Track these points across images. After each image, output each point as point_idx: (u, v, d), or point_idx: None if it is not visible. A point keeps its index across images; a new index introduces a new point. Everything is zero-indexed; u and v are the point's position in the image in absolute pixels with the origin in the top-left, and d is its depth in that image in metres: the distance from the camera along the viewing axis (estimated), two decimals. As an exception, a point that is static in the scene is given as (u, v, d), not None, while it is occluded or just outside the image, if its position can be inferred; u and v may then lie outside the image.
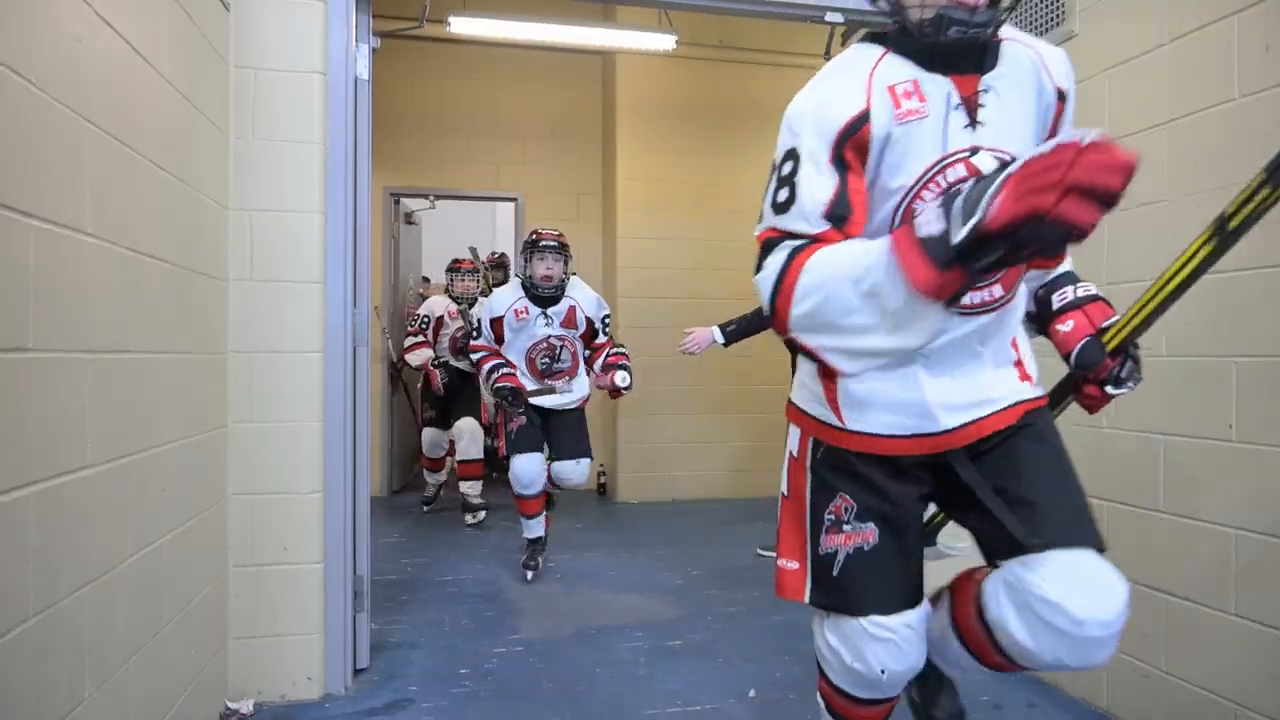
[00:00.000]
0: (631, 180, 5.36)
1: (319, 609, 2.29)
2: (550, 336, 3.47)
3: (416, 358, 4.71)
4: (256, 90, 2.22)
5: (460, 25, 4.23)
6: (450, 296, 4.86)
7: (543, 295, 3.42)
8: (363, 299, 2.40)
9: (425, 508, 5.04)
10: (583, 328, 3.55)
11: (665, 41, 4.41)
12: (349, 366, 2.34)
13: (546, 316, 3.44)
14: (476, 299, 4.79)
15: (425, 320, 4.78)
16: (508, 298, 3.47)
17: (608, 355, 3.60)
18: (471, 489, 4.71)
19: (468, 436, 4.68)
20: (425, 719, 2.17)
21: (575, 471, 3.49)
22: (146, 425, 1.67)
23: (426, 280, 6.73)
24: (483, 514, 4.70)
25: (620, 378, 3.47)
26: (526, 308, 3.42)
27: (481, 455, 4.75)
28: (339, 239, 2.31)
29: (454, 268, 4.91)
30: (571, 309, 3.49)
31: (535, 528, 3.55)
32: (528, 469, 3.42)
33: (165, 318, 1.78)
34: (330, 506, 2.30)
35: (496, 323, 3.47)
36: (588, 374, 3.68)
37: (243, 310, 2.21)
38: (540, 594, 3.34)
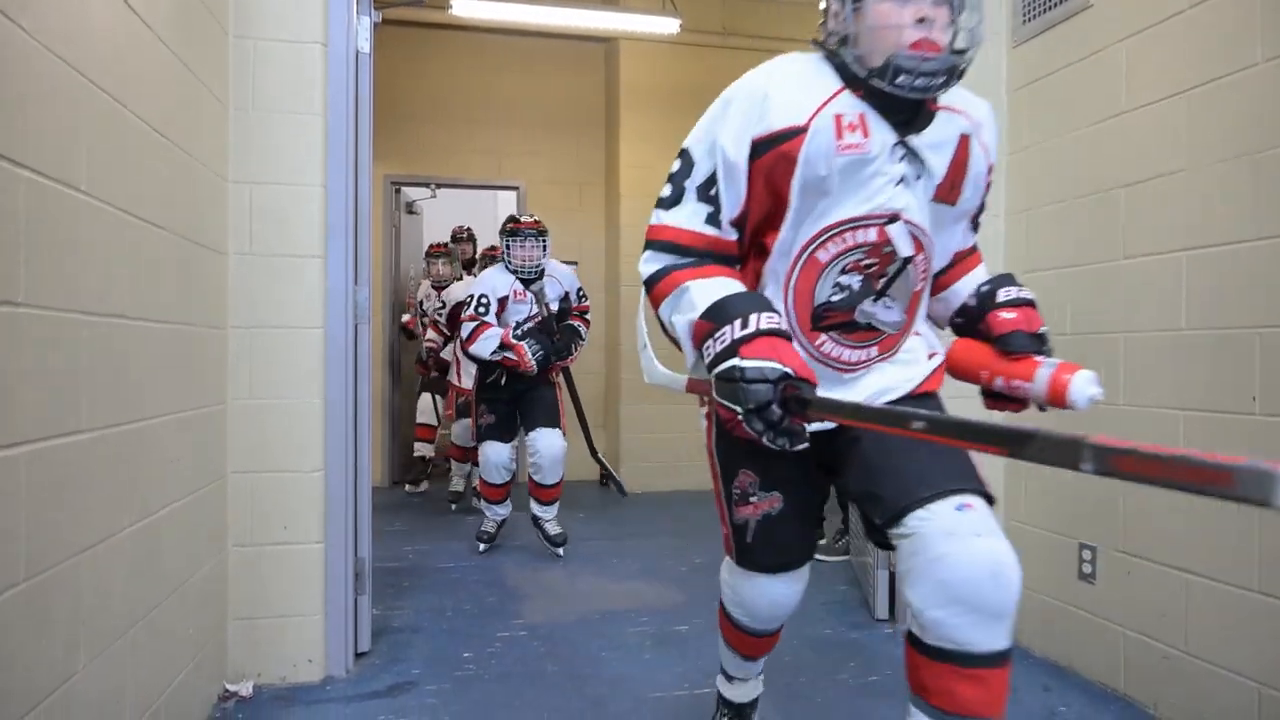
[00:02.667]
0: (634, 169, 5.32)
1: (320, 590, 2.24)
2: (901, 220, 1.28)
3: (481, 345, 3.55)
4: (256, 60, 2.18)
5: (462, 8, 4.19)
6: (509, 270, 3.64)
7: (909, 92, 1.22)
8: (364, 275, 2.36)
9: (482, 545, 3.77)
10: (978, 191, 1.39)
11: (669, 25, 4.37)
12: (350, 344, 2.30)
13: (911, 156, 1.28)
14: (541, 271, 3.64)
15: (484, 303, 3.56)
16: (815, 93, 1.28)
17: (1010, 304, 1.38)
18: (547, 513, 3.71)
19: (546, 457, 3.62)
20: (428, 701, 2.13)
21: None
22: (143, 395, 1.63)
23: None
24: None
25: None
26: (861, 119, 1.25)
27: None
28: (340, 213, 2.27)
29: (512, 230, 3.62)
30: (963, 144, 1.32)
31: None
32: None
33: (164, 287, 1.73)
34: (331, 486, 2.26)
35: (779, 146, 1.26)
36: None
37: (243, 285, 2.17)
38: (543, 581, 3.30)
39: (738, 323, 1.19)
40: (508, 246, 3.64)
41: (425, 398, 5.22)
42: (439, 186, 5.78)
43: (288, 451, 2.21)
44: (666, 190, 1.34)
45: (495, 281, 3.69)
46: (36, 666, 1.22)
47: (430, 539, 4.00)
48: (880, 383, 1.38)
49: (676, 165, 1.35)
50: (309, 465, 2.23)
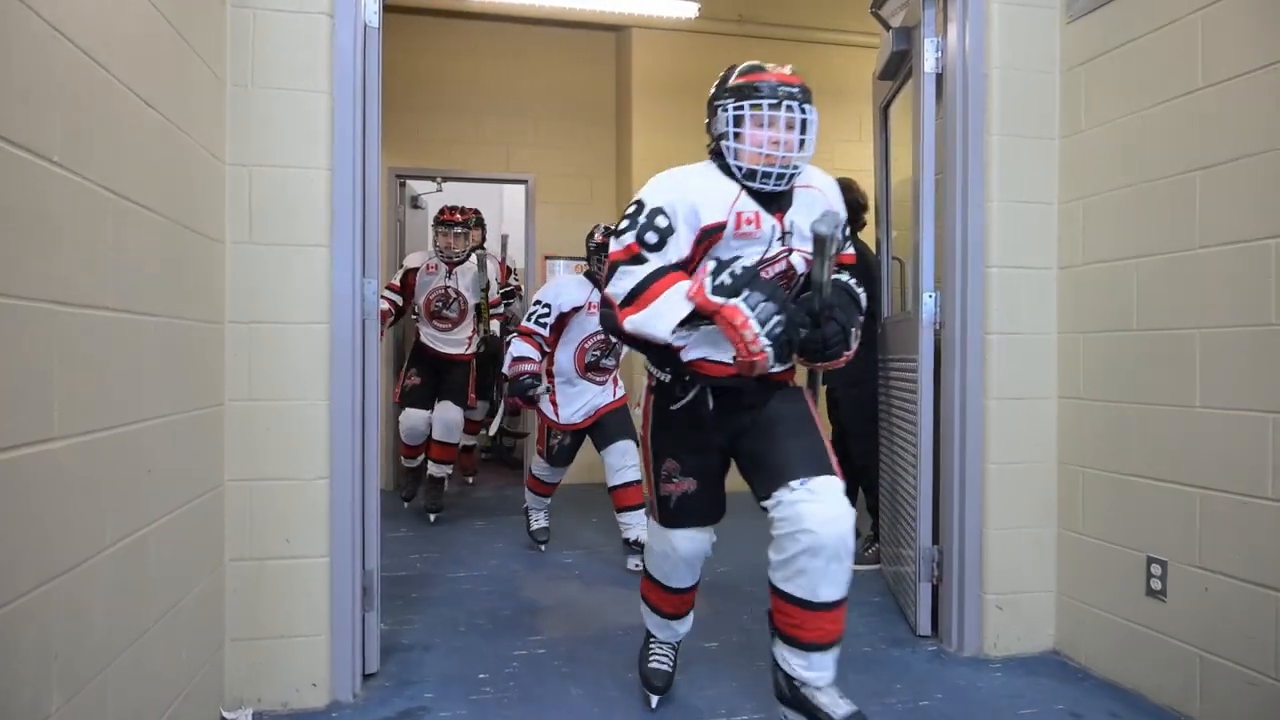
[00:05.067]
0: (646, 161, 5.13)
1: (325, 607, 2.07)
2: None
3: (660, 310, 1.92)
4: (256, 33, 2.00)
5: (471, -8, 4.01)
6: (735, 172, 1.82)
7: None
8: (372, 266, 2.18)
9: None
10: None
11: (686, 9, 4.19)
12: (357, 341, 2.13)
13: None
14: (793, 176, 1.74)
15: (659, 227, 1.86)
16: None
17: None
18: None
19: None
20: (443, 730, 1.96)
21: None
22: (129, 397, 1.45)
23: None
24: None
25: None
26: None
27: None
28: (346, 199, 2.10)
29: (743, 85, 1.79)
30: None
31: None
32: None
33: (152, 276, 1.56)
34: (337, 495, 2.08)
35: None
36: None
37: (241, 276, 2.00)
38: (559, 592, 3.13)
39: None
40: (734, 120, 1.75)
41: (415, 414, 4.31)
42: (445, 180, 5.61)
43: (290, 457, 2.03)
44: None
45: (690, 188, 1.84)
46: (1, 712, 1.05)
47: (438, 545, 3.83)
48: None
49: None
50: (313, 472, 2.05)
